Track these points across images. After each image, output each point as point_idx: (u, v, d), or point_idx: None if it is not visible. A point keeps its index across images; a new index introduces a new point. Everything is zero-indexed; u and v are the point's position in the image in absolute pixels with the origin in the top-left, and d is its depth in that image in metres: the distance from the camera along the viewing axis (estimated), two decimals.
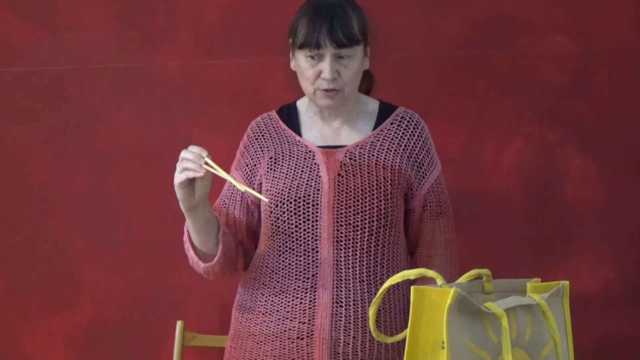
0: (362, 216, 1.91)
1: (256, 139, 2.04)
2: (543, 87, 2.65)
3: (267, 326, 1.94)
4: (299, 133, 2.02)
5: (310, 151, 1.97)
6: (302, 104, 2.08)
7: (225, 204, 2.03)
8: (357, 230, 1.91)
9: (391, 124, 2.02)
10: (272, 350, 1.93)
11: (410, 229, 2.03)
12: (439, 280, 1.59)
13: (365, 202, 1.92)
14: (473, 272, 1.62)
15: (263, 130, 2.05)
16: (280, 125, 2.04)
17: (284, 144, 2.01)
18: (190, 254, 1.98)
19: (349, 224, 1.91)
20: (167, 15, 2.64)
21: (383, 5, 2.57)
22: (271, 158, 1.99)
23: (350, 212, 1.91)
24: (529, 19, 2.64)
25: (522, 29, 2.64)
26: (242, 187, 1.83)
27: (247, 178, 2.01)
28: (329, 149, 1.98)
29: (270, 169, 1.98)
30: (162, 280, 2.62)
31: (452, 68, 2.65)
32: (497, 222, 2.65)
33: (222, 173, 1.81)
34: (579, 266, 2.62)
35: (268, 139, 2.03)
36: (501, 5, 2.64)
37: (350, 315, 1.90)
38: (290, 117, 2.05)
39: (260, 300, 1.96)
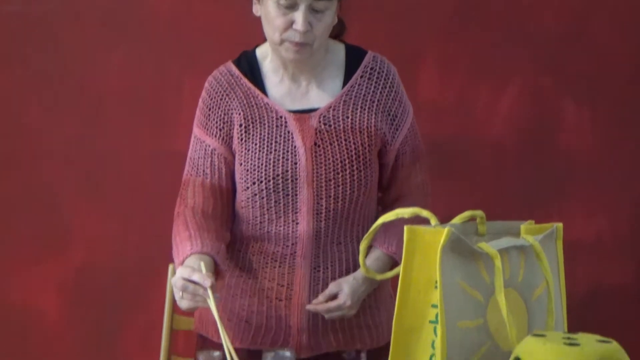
0: (342, 188, 1.85)
1: (221, 99, 1.89)
2: (539, 34, 2.63)
3: (244, 281, 1.92)
4: (264, 91, 1.89)
5: (281, 117, 1.86)
6: (262, 54, 1.92)
7: (206, 174, 1.89)
8: (338, 202, 1.85)
9: (361, 77, 1.90)
10: (249, 305, 1.91)
11: (384, 180, 1.97)
12: (433, 221, 1.58)
13: (346, 173, 1.85)
14: (467, 213, 1.61)
15: (226, 88, 1.90)
16: (244, 82, 1.90)
17: (253, 107, 1.88)
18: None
19: (329, 196, 1.85)
20: None
21: None
22: (241, 126, 1.87)
23: (330, 184, 1.85)
24: None
25: None
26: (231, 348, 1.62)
27: (224, 143, 1.88)
28: (300, 113, 1.87)
29: (242, 140, 1.86)
30: (153, 225, 2.61)
31: (447, 14, 2.62)
32: (491, 170, 2.64)
33: (215, 314, 1.62)
34: (572, 215, 2.63)
35: (234, 100, 1.88)
36: None
37: (328, 277, 1.88)
38: (252, 71, 1.90)
39: (237, 257, 1.93)
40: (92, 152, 2.63)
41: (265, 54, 1.92)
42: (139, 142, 2.63)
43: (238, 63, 1.93)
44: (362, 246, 1.71)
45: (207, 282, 1.63)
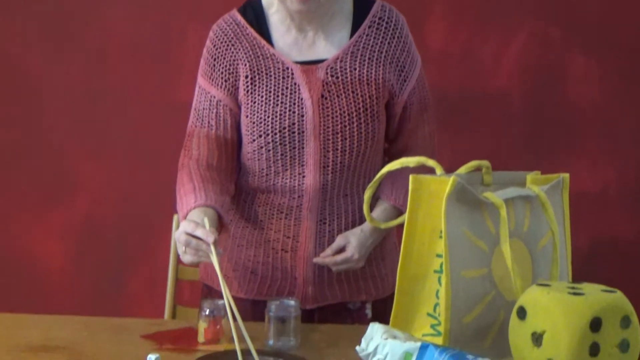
0: (349, 140, 1.82)
1: (226, 49, 1.85)
2: None
3: (250, 232, 1.91)
4: (270, 41, 1.85)
5: (287, 68, 1.83)
6: (267, 2, 1.88)
7: (211, 125, 1.86)
8: (345, 155, 1.83)
9: (369, 27, 1.86)
10: (255, 256, 1.90)
11: (391, 132, 1.95)
12: (438, 170, 1.57)
13: (353, 126, 1.82)
14: (472, 163, 1.60)
15: (232, 38, 1.86)
16: (250, 32, 1.85)
17: (259, 58, 1.84)
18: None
19: (337, 149, 1.82)
20: None
21: None
22: (247, 77, 1.83)
23: (337, 138, 1.82)
24: None
25: None
26: (228, 295, 1.58)
27: (229, 94, 1.85)
28: (307, 65, 1.84)
29: (248, 92, 1.83)
30: (158, 174, 2.61)
31: None
32: (497, 121, 2.63)
33: (218, 270, 1.60)
34: (578, 166, 2.61)
35: (239, 50, 1.84)
36: None
37: (334, 230, 1.87)
38: (258, 20, 1.86)
39: (243, 208, 1.92)
40: (96, 102, 2.62)
41: (270, 3, 1.88)
42: (142, 92, 2.62)
43: (243, 12, 1.89)
44: (367, 195, 1.70)
45: (210, 238, 1.61)
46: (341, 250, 1.85)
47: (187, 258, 1.66)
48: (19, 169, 2.65)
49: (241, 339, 1.52)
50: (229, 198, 1.86)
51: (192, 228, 1.64)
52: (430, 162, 1.58)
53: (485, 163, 1.59)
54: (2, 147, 2.64)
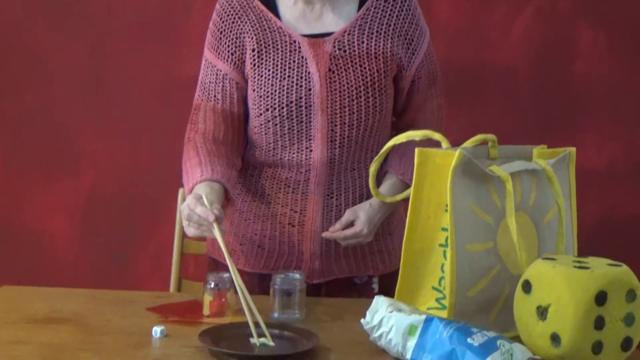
0: (357, 115, 1.81)
1: (233, 22, 1.84)
2: None
3: (257, 206, 1.90)
4: (277, 14, 1.84)
5: (294, 41, 1.81)
6: None
7: (217, 98, 1.86)
8: (352, 129, 1.82)
9: (377, 0, 1.85)
10: (262, 230, 1.89)
11: (399, 106, 1.93)
12: (444, 144, 1.56)
13: (361, 100, 1.81)
14: (478, 137, 1.59)
15: (238, 11, 1.84)
16: (256, 4, 1.84)
17: (265, 31, 1.82)
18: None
19: (344, 123, 1.80)
20: None
21: None
22: (254, 50, 1.82)
23: (345, 112, 1.80)
24: None
25: None
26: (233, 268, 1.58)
27: (236, 68, 1.84)
28: (314, 38, 1.82)
29: (255, 65, 1.82)
30: (163, 149, 2.61)
31: None
32: (504, 95, 2.61)
33: (222, 245, 1.60)
34: (585, 141, 2.60)
35: (246, 23, 1.83)
36: None
37: (341, 204, 1.87)
38: None
39: (250, 182, 1.91)
40: (101, 75, 2.61)
41: None
42: (148, 65, 2.61)
43: None
44: (372, 169, 1.70)
45: (211, 216, 1.60)
46: (350, 224, 1.84)
47: (190, 231, 1.67)
48: (24, 143, 2.64)
49: (247, 312, 1.52)
50: (235, 172, 1.85)
51: (192, 204, 1.64)
52: (436, 136, 1.58)
53: (491, 137, 1.58)
54: (8, 122, 2.63)
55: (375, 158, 1.66)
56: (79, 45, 2.61)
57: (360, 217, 1.83)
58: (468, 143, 1.59)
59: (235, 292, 1.61)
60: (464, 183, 1.50)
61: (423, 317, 1.39)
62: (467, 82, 2.60)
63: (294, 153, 1.83)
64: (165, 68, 2.60)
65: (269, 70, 1.81)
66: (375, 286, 1.95)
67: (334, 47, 1.81)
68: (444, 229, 1.52)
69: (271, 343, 1.47)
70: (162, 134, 2.61)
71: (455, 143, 1.61)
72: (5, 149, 2.64)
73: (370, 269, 1.93)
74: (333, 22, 1.84)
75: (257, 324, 1.51)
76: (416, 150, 1.53)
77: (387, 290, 1.74)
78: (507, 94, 2.61)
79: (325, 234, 1.84)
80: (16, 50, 2.62)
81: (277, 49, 1.82)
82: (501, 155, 1.60)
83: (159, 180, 2.61)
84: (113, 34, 2.61)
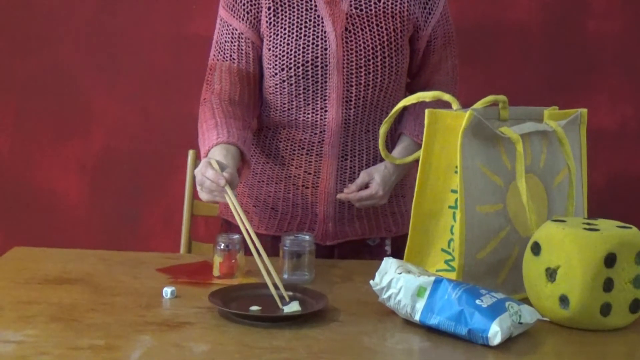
0: (373, 75, 1.80)
1: None
2: None
3: (270, 168, 1.90)
4: None
5: (310, 0, 1.80)
6: None
7: (233, 58, 1.84)
8: (368, 89, 1.81)
9: None
10: (275, 192, 1.90)
11: (414, 66, 1.92)
12: (455, 105, 1.55)
13: (377, 60, 1.79)
14: (489, 98, 1.58)
15: None
16: None
17: None
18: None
19: (360, 83, 1.80)
20: None
21: None
22: (269, 9, 1.80)
23: (361, 71, 1.79)
24: None
25: None
26: (248, 225, 1.58)
27: (251, 27, 1.82)
28: None
29: (270, 24, 1.81)
30: (173, 109, 2.60)
31: None
32: (515, 55, 2.59)
33: (237, 207, 1.59)
34: (597, 101, 2.58)
35: None
36: None
37: (355, 166, 1.86)
38: None
39: (264, 144, 1.91)
40: (110, 35, 2.60)
41: None
42: (157, 25, 2.59)
43: None
44: (382, 130, 1.69)
45: (222, 181, 1.60)
46: (365, 186, 1.84)
47: (203, 196, 1.66)
48: (34, 102, 2.64)
49: (259, 272, 1.53)
50: (251, 133, 1.85)
51: (204, 169, 1.64)
52: (446, 97, 1.56)
53: (502, 98, 1.57)
54: (18, 82, 2.63)
55: (386, 119, 1.65)
56: (88, 3, 2.59)
57: (376, 178, 1.83)
58: (479, 104, 1.58)
59: (245, 253, 1.62)
60: (474, 144, 1.50)
61: (432, 278, 1.39)
62: (479, 42, 2.58)
63: (308, 113, 1.82)
64: (174, 26, 2.59)
65: (284, 29, 1.80)
66: (388, 248, 1.95)
67: (351, 6, 1.80)
68: (454, 191, 1.51)
69: (297, 307, 1.45)
70: (172, 93, 2.60)
71: (465, 103, 1.60)
72: (16, 109, 2.64)
73: (383, 231, 1.93)
74: None
75: (266, 285, 1.52)
76: (426, 111, 1.52)
77: (400, 252, 1.74)
78: (519, 53, 2.58)
79: (340, 196, 1.84)
80: (24, 9, 2.60)
81: (293, 8, 1.80)
82: (512, 117, 1.59)
83: (169, 141, 2.61)
84: None
